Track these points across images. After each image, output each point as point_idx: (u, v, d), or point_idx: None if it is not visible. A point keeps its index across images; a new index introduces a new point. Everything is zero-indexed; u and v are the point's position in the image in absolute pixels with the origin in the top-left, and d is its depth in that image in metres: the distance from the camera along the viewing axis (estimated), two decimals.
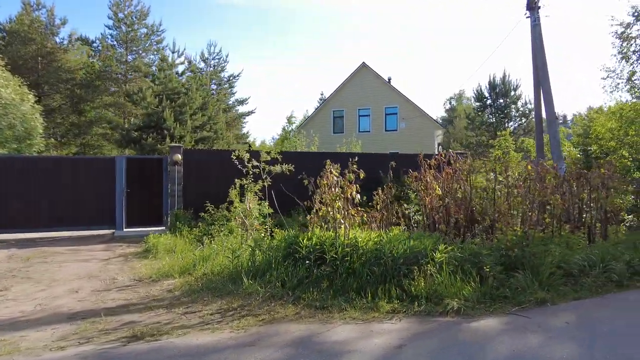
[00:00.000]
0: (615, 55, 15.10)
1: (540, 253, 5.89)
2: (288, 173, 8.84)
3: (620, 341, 3.94)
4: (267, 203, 10.16)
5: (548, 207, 7.34)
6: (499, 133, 18.08)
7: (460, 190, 6.92)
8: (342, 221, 5.81)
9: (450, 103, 38.15)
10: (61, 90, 23.58)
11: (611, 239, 7.39)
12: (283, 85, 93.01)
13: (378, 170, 11.51)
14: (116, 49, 25.52)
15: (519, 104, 34.13)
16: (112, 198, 12.32)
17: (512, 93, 34.36)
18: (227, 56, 39.08)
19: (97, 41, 24.91)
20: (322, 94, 30.40)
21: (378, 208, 8.48)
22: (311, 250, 5.70)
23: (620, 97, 15.68)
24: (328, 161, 6.39)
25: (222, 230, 9.05)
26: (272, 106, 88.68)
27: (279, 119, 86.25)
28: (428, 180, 7.16)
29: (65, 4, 47.07)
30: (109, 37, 25.43)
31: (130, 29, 25.42)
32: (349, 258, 5.56)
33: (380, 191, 8.57)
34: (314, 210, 6.29)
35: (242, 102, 32.90)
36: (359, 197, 6.07)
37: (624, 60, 15.02)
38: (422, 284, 5.15)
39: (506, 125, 31.21)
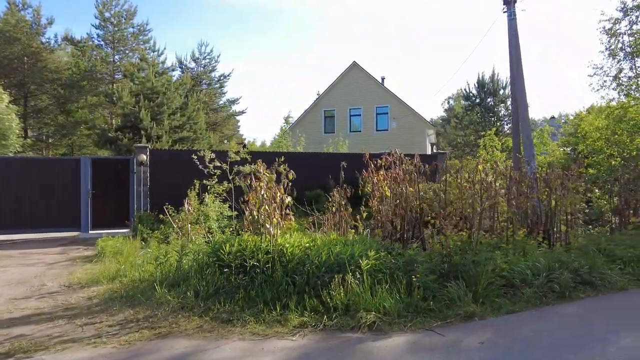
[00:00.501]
0: (602, 52, 14.57)
1: (482, 260, 5.45)
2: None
3: None
4: (228, 205, 9.83)
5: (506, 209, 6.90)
6: (482, 133, 17.53)
7: (411, 191, 6.49)
8: (268, 226, 5.43)
9: (448, 103, 37.56)
10: (47, 91, 23.48)
11: (572, 244, 6.92)
12: (281, 86, 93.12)
13: (340, 172, 11.07)
14: (103, 49, 25.37)
15: (508, 102, 33.09)
16: (78, 200, 12.06)
17: (502, 92, 33.43)
18: (218, 56, 38.78)
19: (83, 41, 24.75)
20: (318, 94, 29.96)
21: (334, 210, 8.14)
22: (232, 257, 5.33)
23: (607, 95, 15.09)
24: (259, 161, 6.02)
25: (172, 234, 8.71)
26: (272, 106, 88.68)
27: (278, 119, 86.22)
28: (375, 181, 6.76)
29: (54, 2, 47.08)
30: (96, 36, 25.38)
31: (117, 29, 25.26)
32: (270, 266, 5.17)
33: (335, 193, 8.21)
34: (246, 215, 5.92)
35: (233, 102, 32.67)
36: (290, 199, 5.68)
37: (611, 57, 14.48)
38: (342, 294, 4.74)
39: (495, 124, 30.39)
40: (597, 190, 10.85)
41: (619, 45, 14.45)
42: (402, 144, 24.50)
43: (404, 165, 6.59)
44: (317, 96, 29.76)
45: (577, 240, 6.93)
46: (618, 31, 14.49)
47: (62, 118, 23.65)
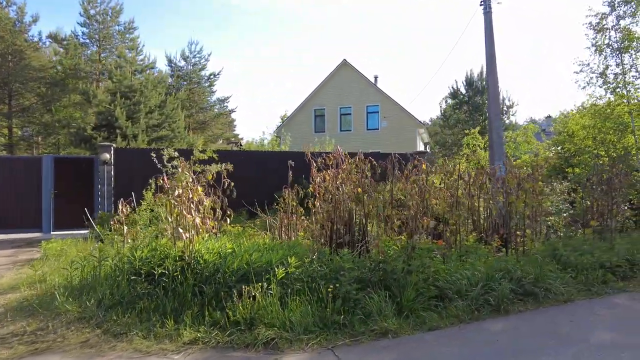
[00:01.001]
0: (589, 48, 13.95)
1: (415, 268, 4.99)
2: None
3: None
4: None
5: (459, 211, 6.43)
6: (466, 131, 17.00)
7: (347, 191, 6.04)
8: (181, 230, 5.01)
9: (446, 102, 36.83)
10: (32, 89, 23.25)
11: (529, 250, 6.42)
12: (277, 85, 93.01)
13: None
14: (88, 47, 25.14)
15: None
16: (40, 200, 11.75)
17: None
18: (209, 55, 38.40)
19: (68, 38, 24.47)
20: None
21: (282, 212, 7.76)
22: (141, 264, 4.93)
23: (594, 92, 14.47)
24: (181, 160, 5.61)
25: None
26: (268, 106, 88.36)
27: (275, 118, 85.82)
28: (317, 181, 6.32)
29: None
30: (81, 34, 25.11)
31: (102, 27, 24.96)
32: (178, 274, 4.76)
33: (286, 194, 7.80)
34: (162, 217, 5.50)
35: (223, 100, 32.33)
36: (209, 201, 5.26)
37: (597, 53, 13.87)
38: (247, 307, 4.31)
39: (482, 123, 29.64)
40: (580, 191, 10.38)
41: (606, 41, 13.85)
42: (392, 143, 24.06)
43: (344, 165, 6.13)
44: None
45: (533, 246, 6.43)
46: (605, 27, 13.89)
47: (47, 117, 23.43)
